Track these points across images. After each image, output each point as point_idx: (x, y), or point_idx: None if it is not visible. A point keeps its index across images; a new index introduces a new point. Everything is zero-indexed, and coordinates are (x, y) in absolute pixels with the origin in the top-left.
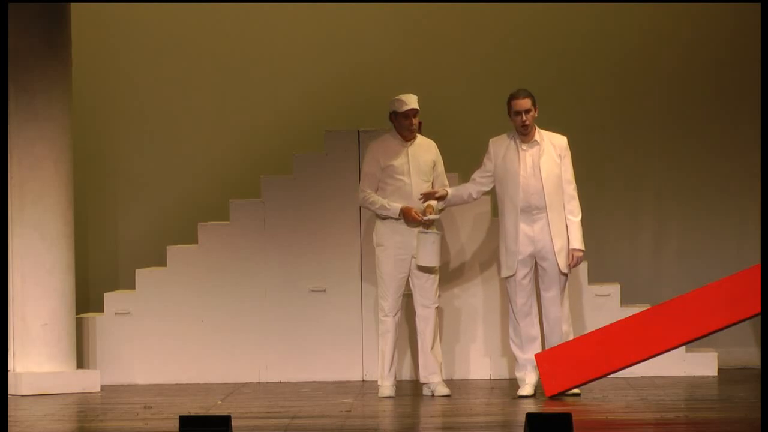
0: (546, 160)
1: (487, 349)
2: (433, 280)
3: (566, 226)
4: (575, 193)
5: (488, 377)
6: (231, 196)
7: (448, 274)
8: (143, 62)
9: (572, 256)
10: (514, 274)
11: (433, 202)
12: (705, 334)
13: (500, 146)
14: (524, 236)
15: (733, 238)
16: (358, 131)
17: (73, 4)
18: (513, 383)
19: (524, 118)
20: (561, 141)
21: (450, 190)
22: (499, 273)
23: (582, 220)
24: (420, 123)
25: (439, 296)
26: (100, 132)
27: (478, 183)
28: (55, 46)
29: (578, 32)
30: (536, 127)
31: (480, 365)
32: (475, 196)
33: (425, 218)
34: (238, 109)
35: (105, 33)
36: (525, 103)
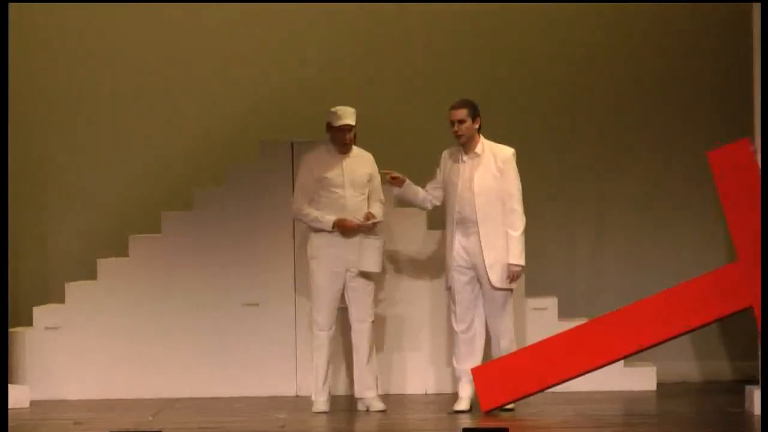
0: (481, 173)
1: (423, 364)
2: (369, 293)
3: (504, 240)
4: (517, 207)
5: (424, 392)
6: (163, 208)
7: (383, 286)
8: (76, 73)
9: (509, 270)
10: (451, 286)
11: (376, 210)
12: (643, 348)
13: (449, 157)
14: (461, 248)
15: (673, 250)
16: (292, 142)
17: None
18: (449, 398)
19: (456, 128)
20: (504, 153)
21: (408, 182)
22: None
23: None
24: (354, 135)
25: (382, 301)
26: (31, 143)
27: (430, 194)
28: None
29: (520, 40)
30: (481, 138)
31: (416, 380)
32: (428, 204)
33: (369, 222)
34: (171, 120)
35: (36, 44)
36: (458, 113)
